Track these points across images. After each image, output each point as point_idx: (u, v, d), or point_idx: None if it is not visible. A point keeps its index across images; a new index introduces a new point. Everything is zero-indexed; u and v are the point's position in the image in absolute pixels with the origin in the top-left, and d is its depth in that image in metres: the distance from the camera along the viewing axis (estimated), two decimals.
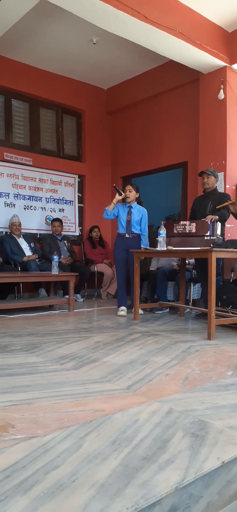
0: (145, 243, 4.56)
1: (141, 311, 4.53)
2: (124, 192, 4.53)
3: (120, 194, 4.47)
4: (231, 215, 4.17)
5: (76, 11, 3.90)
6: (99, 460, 1.26)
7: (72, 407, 1.73)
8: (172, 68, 5.44)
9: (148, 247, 4.42)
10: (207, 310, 3.48)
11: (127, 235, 4.58)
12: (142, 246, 4.51)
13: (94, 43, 5.15)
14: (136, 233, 4.59)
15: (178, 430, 1.52)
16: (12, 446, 1.34)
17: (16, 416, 1.61)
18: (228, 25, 4.77)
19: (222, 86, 4.89)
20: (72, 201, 6.41)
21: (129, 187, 4.61)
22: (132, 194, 4.58)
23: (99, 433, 1.47)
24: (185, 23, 4.39)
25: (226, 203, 4.01)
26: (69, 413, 1.66)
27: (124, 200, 4.57)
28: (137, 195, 4.64)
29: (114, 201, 4.51)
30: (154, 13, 4.09)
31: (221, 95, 4.90)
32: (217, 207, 4.10)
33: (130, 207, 4.61)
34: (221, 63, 4.83)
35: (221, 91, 4.89)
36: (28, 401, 1.79)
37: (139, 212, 4.62)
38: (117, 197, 4.48)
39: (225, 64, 4.87)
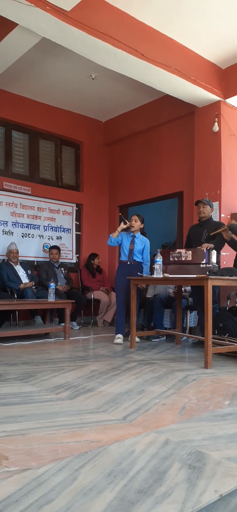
0: (146, 272, 4.60)
1: (137, 339, 4.50)
2: (129, 222, 4.62)
3: (125, 223, 4.56)
4: (226, 244, 4.23)
5: (76, 49, 4.07)
6: (95, 494, 1.23)
7: (67, 438, 1.69)
8: (168, 101, 5.62)
9: (147, 276, 4.44)
10: (203, 338, 3.46)
11: (128, 263, 4.63)
12: (143, 273, 4.54)
13: (93, 79, 5.34)
14: (137, 261, 4.64)
15: (175, 462, 1.49)
16: (5, 479, 1.31)
17: (9, 447, 1.58)
18: (221, 62, 4.98)
19: (216, 119, 5.05)
20: (70, 229, 6.47)
21: (134, 217, 4.70)
22: (137, 224, 4.67)
23: (94, 465, 1.44)
24: (180, 60, 4.57)
25: (218, 231, 4.08)
26: (64, 444, 1.63)
27: (128, 229, 4.65)
28: (142, 226, 4.74)
29: (119, 229, 4.59)
30: (150, 50, 4.27)
31: (216, 127, 5.05)
32: (210, 234, 4.16)
33: (134, 236, 4.68)
34: (215, 97, 5.01)
35: (216, 123, 5.05)
36: (22, 431, 1.76)
37: (142, 242, 4.70)
38: (122, 225, 4.57)
39: (219, 99, 5.05)
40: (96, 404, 2.21)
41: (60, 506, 1.15)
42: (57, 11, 3.54)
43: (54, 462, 1.44)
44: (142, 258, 4.70)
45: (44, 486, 1.27)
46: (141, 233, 4.78)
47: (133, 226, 4.64)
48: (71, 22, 3.66)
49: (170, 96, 5.16)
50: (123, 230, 4.64)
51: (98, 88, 5.67)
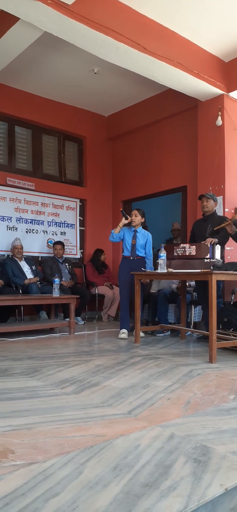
0: (149, 267, 4.59)
1: (142, 334, 4.51)
2: (130, 217, 4.61)
3: (126, 218, 4.56)
4: (230, 238, 4.21)
5: (78, 43, 4.05)
6: (100, 487, 1.24)
7: (72, 432, 1.71)
8: (171, 95, 5.58)
9: (151, 270, 4.43)
10: (208, 332, 3.46)
11: (131, 258, 4.63)
12: (147, 269, 4.54)
13: (95, 73, 5.31)
14: (140, 256, 4.64)
15: (180, 456, 1.50)
16: (11, 473, 1.32)
17: (16, 441, 1.59)
18: (224, 56, 4.93)
19: (219, 113, 5.01)
20: (74, 225, 6.48)
21: (135, 212, 4.69)
22: (138, 218, 4.65)
23: (100, 459, 1.45)
24: (183, 54, 4.54)
25: (222, 225, 4.06)
26: (70, 438, 1.64)
27: (129, 224, 4.65)
28: (143, 220, 4.72)
29: (121, 224, 4.58)
30: (153, 44, 4.24)
31: (219, 121, 5.01)
32: (214, 229, 4.15)
33: (135, 231, 4.67)
34: (218, 91, 4.97)
35: (219, 117, 5.01)
36: (28, 426, 1.77)
37: (144, 237, 4.69)
38: (124, 221, 4.56)
39: (222, 92, 5.00)
40: (102, 399, 2.22)
41: (66, 499, 1.16)
42: (59, 5, 3.52)
43: (60, 456, 1.45)
44: (145, 252, 4.69)
45: (50, 479, 1.28)
46: (143, 227, 4.76)
47: (134, 221, 4.63)
48: (73, 16, 3.64)
49: (173, 90, 5.12)
50: (125, 225, 4.63)
51: (101, 83, 5.64)
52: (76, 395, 2.29)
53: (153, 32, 4.26)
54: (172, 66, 4.43)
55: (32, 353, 3.51)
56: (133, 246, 4.64)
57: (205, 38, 4.58)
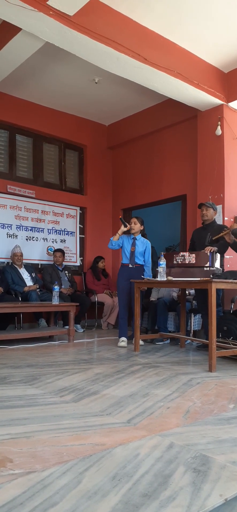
0: (148, 274, 4.59)
1: (141, 342, 4.49)
2: (129, 224, 4.62)
3: (125, 226, 4.57)
4: (230, 247, 4.22)
5: (79, 53, 4.09)
6: (99, 497, 1.23)
7: (71, 441, 1.70)
8: (170, 105, 5.63)
9: (150, 278, 4.44)
10: (208, 341, 3.45)
11: (130, 265, 4.63)
12: (145, 276, 4.54)
13: (96, 83, 5.36)
14: (139, 264, 4.64)
15: (180, 465, 1.49)
16: (9, 482, 1.32)
17: (14, 450, 1.58)
18: (224, 66, 4.98)
19: (219, 123, 5.05)
20: (74, 232, 6.49)
21: (134, 220, 4.70)
22: (137, 226, 4.67)
23: (99, 468, 1.44)
24: (183, 64, 4.59)
25: (221, 234, 4.08)
26: (69, 447, 1.63)
27: (128, 232, 4.66)
28: (142, 228, 4.74)
29: (120, 232, 4.59)
30: (153, 55, 4.29)
31: (219, 131, 5.06)
32: (213, 238, 4.16)
33: (134, 238, 4.69)
34: (218, 101, 5.02)
35: (218, 127, 5.05)
36: (26, 434, 1.77)
37: (143, 244, 4.70)
38: (123, 228, 4.57)
39: (222, 102, 5.05)
40: (101, 407, 2.21)
41: (65, 509, 1.16)
42: (61, 16, 3.57)
43: (58, 465, 1.45)
44: (143, 260, 4.69)
45: (49, 489, 1.27)
46: (142, 235, 4.78)
47: (133, 229, 4.65)
48: (74, 27, 3.68)
49: (173, 100, 5.17)
50: (124, 233, 4.64)
51: (102, 92, 5.69)
52: (75, 403, 2.28)
53: (153, 43, 4.31)
54: (172, 77, 4.48)
55: (31, 361, 3.50)
56: (132, 253, 4.65)
57: (205, 49, 4.63)
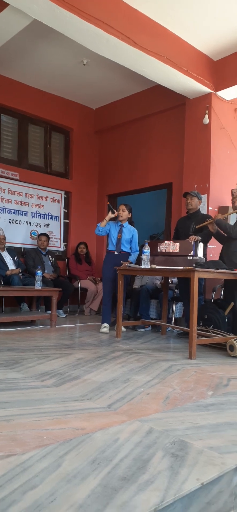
0: (132, 260, 4.60)
1: (123, 329, 4.53)
2: (117, 212, 4.60)
3: (113, 212, 4.54)
4: (213, 237, 4.28)
5: (68, 33, 3.99)
6: (78, 480, 1.25)
7: (52, 425, 1.70)
8: (159, 92, 5.59)
9: (131, 264, 4.45)
10: (189, 329, 3.51)
11: (116, 252, 4.63)
12: (129, 259, 4.54)
13: (84, 64, 5.25)
14: (125, 251, 4.64)
15: (158, 450, 1.52)
16: None
17: None
18: (213, 54, 4.97)
19: (207, 112, 5.05)
20: (58, 217, 6.42)
21: (122, 207, 4.68)
22: (125, 213, 4.66)
23: (78, 452, 1.45)
24: (173, 50, 4.54)
25: (204, 223, 4.13)
26: (49, 431, 1.64)
27: (116, 219, 4.64)
28: (129, 216, 4.73)
29: (107, 218, 4.57)
30: (143, 39, 4.23)
31: (206, 120, 5.06)
32: (196, 227, 4.20)
33: (122, 226, 4.67)
34: (206, 89, 5.01)
35: (206, 116, 5.06)
36: (7, 417, 1.76)
37: (130, 232, 4.70)
38: (110, 215, 4.55)
39: (210, 91, 5.05)
40: (82, 392, 2.22)
41: (44, 491, 1.16)
42: None
43: (38, 449, 1.45)
44: (130, 248, 4.71)
45: (29, 472, 1.28)
46: (129, 223, 4.78)
47: (120, 216, 4.64)
48: (64, 5, 3.58)
49: (162, 87, 5.13)
50: (111, 219, 4.63)
51: (90, 75, 5.59)
52: (56, 388, 2.28)
53: (144, 27, 4.25)
54: (161, 62, 4.43)
55: (12, 345, 3.48)
56: (118, 240, 4.64)
57: (195, 36, 4.59)
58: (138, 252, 4.74)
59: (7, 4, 3.66)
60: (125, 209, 4.67)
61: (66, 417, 1.81)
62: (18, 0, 3.50)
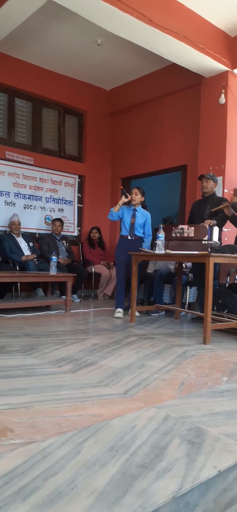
0: (146, 246, 4.58)
1: (137, 313, 4.55)
2: (130, 195, 4.57)
3: (126, 197, 4.51)
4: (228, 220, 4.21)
5: (82, 12, 3.91)
6: (98, 467, 1.28)
7: (70, 412, 1.74)
8: (174, 71, 5.45)
9: (147, 250, 4.44)
10: (202, 314, 3.50)
11: (129, 237, 4.61)
12: (144, 247, 4.53)
13: (98, 44, 5.15)
14: (138, 236, 4.63)
15: (175, 437, 1.54)
16: (11, 451, 1.35)
17: (14, 420, 1.62)
18: (231, 30, 4.79)
19: (223, 91, 4.91)
20: (72, 201, 6.42)
21: (135, 190, 4.64)
22: (138, 197, 4.61)
23: (97, 439, 1.48)
24: (189, 27, 4.40)
25: (220, 207, 4.06)
26: (67, 417, 1.67)
27: (129, 203, 4.61)
28: (142, 199, 4.69)
29: (120, 203, 4.54)
30: (158, 16, 4.11)
31: (222, 99, 4.92)
32: (212, 210, 4.14)
33: (135, 210, 4.64)
34: (223, 67, 4.86)
35: (222, 95, 4.92)
36: (26, 404, 1.81)
37: (143, 216, 4.66)
38: (123, 199, 4.52)
39: (227, 69, 4.89)
40: (98, 378, 2.26)
41: (65, 478, 1.20)
42: None
43: (58, 436, 1.49)
44: (143, 232, 4.68)
45: (49, 459, 1.31)
46: (142, 207, 4.74)
47: (133, 200, 4.60)
48: None
49: (177, 65, 5.00)
50: (124, 203, 4.60)
51: (104, 55, 5.48)
52: (73, 374, 2.32)
53: (159, 3, 4.12)
54: (177, 40, 4.31)
55: (29, 330, 3.54)
56: (132, 225, 4.62)
57: (212, 11, 4.43)
58: (151, 237, 4.71)
59: None
60: (137, 192, 4.63)
61: (84, 404, 1.85)
62: None
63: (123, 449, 1.42)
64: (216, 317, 3.87)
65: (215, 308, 4.08)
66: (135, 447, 1.43)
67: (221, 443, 1.51)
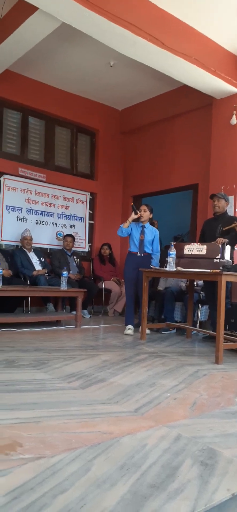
0: (155, 263, 4.57)
1: (147, 331, 4.50)
2: (139, 212, 4.59)
3: (136, 213, 4.53)
4: None
5: (95, 35, 4.01)
6: (108, 486, 1.25)
7: (80, 428, 1.72)
8: (185, 92, 5.52)
9: (157, 267, 4.42)
10: (214, 333, 3.45)
11: (139, 254, 4.61)
12: (152, 265, 4.52)
13: (111, 66, 5.27)
14: (147, 253, 4.62)
15: (187, 458, 1.50)
16: (20, 466, 1.34)
17: (24, 434, 1.61)
18: None
19: (234, 112, 4.94)
20: (83, 218, 6.48)
21: (143, 207, 4.66)
22: (146, 214, 4.63)
23: (107, 457, 1.45)
24: (200, 50, 4.48)
25: (232, 225, 4.03)
26: (77, 434, 1.65)
27: (138, 220, 4.63)
28: (151, 216, 4.70)
29: (130, 219, 4.56)
30: (170, 39, 4.19)
31: (233, 120, 4.95)
32: (223, 229, 4.12)
33: (143, 226, 4.65)
34: (234, 89, 4.90)
35: (234, 116, 4.95)
36: (35, 419, 1.79)
37: (152, 233, 4.67)
38: (133, 215, 4.54)
39: None
40: (108, 395, 2.23)
41: (75, 496, 1.17)
42: None
43: (67, 452, 1.47)
44: (152, 249, 4.67)
45: (58, 475, 1.29)
46: (150, 223, 4.75)
47: (142, 216, 4.61)
48: (92, 8, 3.60)
49: (188, 87, 5.06)
50: (133, 220, 4.61)
51: (116, 76, 5.60)
52: (83, 390, 2.30)
53: (171, 27, 4.20)
54: (189, 63, 4.37)
55: (39, 345, 3.54)
56: (141, 242, 4.62)
57: (223, 35, 4.50)
58: (159, 253, 4.70)
59: (36, 8, 3.73)
60: (146, 209, 4.65)
61: (94, 421, 1.83)
62: (47, 4, 3.56)
63: (134, 468, 1.38)
64: (229, 336, 3.80)
65: (228, 328, 4.02)
66: (146, 467, 1.40)
67: (234, 465, 1.47)
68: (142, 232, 4.64)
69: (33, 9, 3.76)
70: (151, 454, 1.50)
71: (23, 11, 3.91)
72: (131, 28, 3.87)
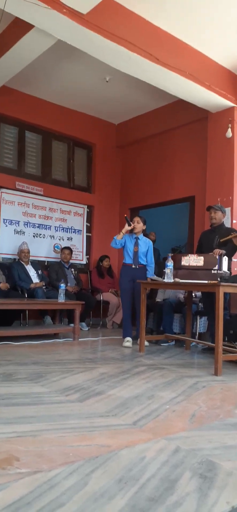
0: (151, 274, 4.57)
1: (146, 343, 4.48)
2: (132, 223, 4.61)
3: (129, 225, 4.55)
4: None
5: (90, 52, 4.09)
6: (106, 499, 1.23)
7: (77, 442, 1.70)
8: (181, 106, 5.61)
9: (154, 277, 4.42)
10: (213, 344, 3.43)
11: (133, 266, 4.61)
12: (148, 276, 4.52)
13: (107, 81, 5.35)
14: (142, 264, 4.63)
15: (186, 470, 1.48)
16: (16, 481, 1.32)
17: (20, 448, 1.59)
18: (235, 68, 4.94)
19: (230, 125, 5.02)
20: (81, 230, 6.50)
21: (137, 219, 4.68)
22: (139, 225, 4.65)
23: (105, 470, 1.44)
24: (195, 65, 4.56)
25: (229, 237, 4.06)
26: (75, 447, 1.63)
27: (131, 231, 4.64)
28: (144, 227, 4.71)
29: (124, 231, 4.57)
30: (165, 55, 4.27)
31: (229, 133, 5.02)
32: (221, 241, 4.14)
33: (137, 238, 4.67)
34: (229, 103, 4.98)
35: (229, 129, 5.02)
36: (33, 433, 1.77)
37: (145, 244, 4.68)
38: (127, 227, 4.55)
39: (233, 105, 5.01)
40: (106, 408, 2.21)
41: (72, 510, 1.16)
42: (74, 14, 3.56)
43: (65, 466, 1.45)
44: (146, 260, 4.67)
45: (56, 489, 1.27)
46: (144, 235, 4.76)
47: (135, 228, 4.62)
48: (87, 25, 3.68)
49: (183, 101, 5.14)
50: (127, 232, 4.62)
51: (112, 91, 5.68)
52: (81, 403, 2.28)
53: (165, 43, 4.29)
54: (183, 78, 4.45)
55: (36, 358, 3.51)
56: (135, 253, 4.62)
57: (217, 50, 4.60)
58: (154, 265, 4.70)
59: (32, 26, 3.80)
60: (139, 221, 4.66)
61: (92, 434, 1.80)
62: (43, 21, 3.63)
63: (132, 481, 1.37)
64: (228, 348, 3.79)
65: (226, 339, 4.01)
66: (144, 480, 1.38)
67: (234, 478, 1.45)
68: (136, 244, 4.64)
69: (29, 26, 3.84)
70: (149, 467, 1.48)
71: (19, 29, 3.99)
72: (125, 44, 3.94)
